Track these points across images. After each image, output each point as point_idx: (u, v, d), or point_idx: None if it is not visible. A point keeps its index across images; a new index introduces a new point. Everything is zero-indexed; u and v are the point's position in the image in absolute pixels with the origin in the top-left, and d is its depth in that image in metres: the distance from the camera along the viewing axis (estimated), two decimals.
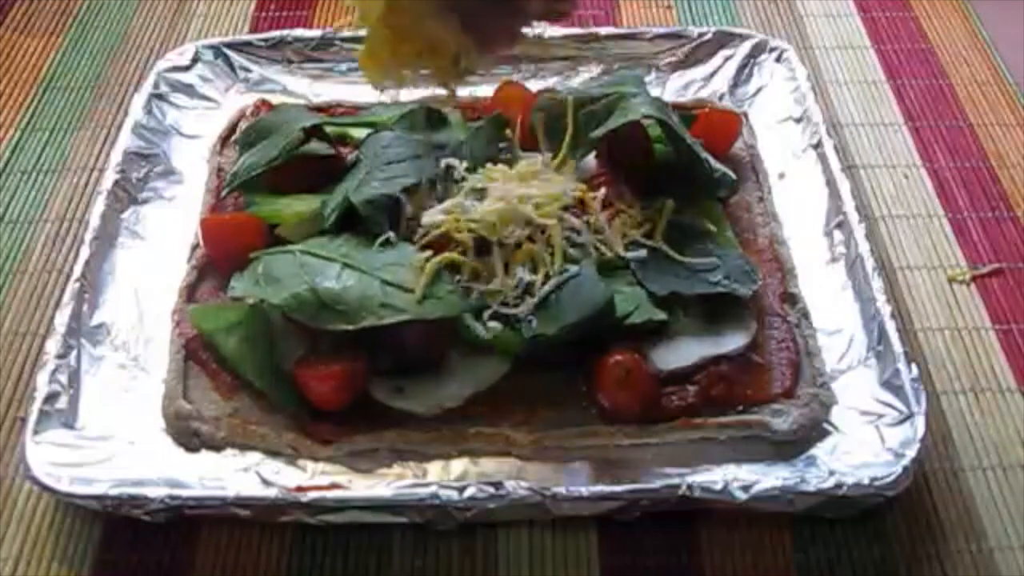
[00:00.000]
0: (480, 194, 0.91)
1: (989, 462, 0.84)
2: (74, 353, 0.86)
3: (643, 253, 0.91)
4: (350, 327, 0.82)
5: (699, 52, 1.16)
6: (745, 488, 0.77)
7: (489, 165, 0.94)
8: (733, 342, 0.87)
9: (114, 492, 0.77)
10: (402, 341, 0.84)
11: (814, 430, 0.83)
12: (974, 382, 0.89)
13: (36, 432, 0.80)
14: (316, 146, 0.99)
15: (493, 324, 0.85)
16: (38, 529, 0.80)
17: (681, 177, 0.96)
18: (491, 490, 0.77)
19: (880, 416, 0.83)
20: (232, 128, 1.08)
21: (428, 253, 0.86)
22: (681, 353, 0.86)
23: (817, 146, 1.03)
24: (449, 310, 0.84)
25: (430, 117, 1.02)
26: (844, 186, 0.98)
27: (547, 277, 0.87)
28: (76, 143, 1.11)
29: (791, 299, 0.92)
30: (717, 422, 0.83)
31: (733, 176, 1.01)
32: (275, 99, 1.11)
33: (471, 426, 0.83)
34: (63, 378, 0.84)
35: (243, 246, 0.90)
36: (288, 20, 1.26)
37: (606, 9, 1.28)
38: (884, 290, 0.89)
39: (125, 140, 1.03)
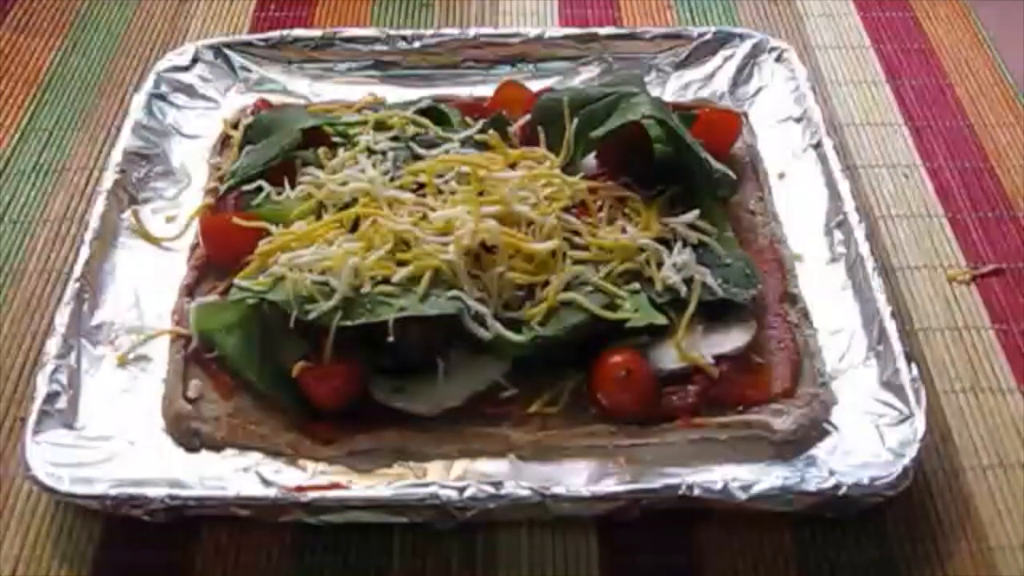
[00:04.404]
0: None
1: (989, 462, 0.84)
2: (74, 353, 0.86)
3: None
4: (349, 323, 0.82)
5: (699, 52, 1.16)
6: (745, 488, 0.77)
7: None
8: (733, 342, 0.87)
9: (114, 492, 0.77)
10: (402, 341, 0.84)
11: (814, 430, 0.83)
12: (974, 382, 0.89)
13: (36, 432, 0.80)
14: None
15: (493, 324, 0.85)
16: (38, 529, 0.80)
17: (681, 177, 0.96)
18: (491, 490, 0.77)
19: (880, 416, 0.83)
20: (232, 128, 1.08)
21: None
22: None
23: (817, 146, 1.03)
24: (449, 308, 0.83)
25: (432, 116, 1.02)
26: (844, 186, 0.98)
27: (547, 279, 0.87)
28: (76, 143, 1.11)
29: (791, 299, 0.92)
30: (717, 422, 0.83)
31: (733, 176, 1.01)
32: (275, 99, 1.11)
33: (471, 426, 0.83)
34: (63, 378, 0.84)
35: (243, 246, 0.90)
36: (288, 20, 1.25)
37: (606, 9, 1.28)
38: (884, 290, 0.89)
39: (125, 140, 1.03)
